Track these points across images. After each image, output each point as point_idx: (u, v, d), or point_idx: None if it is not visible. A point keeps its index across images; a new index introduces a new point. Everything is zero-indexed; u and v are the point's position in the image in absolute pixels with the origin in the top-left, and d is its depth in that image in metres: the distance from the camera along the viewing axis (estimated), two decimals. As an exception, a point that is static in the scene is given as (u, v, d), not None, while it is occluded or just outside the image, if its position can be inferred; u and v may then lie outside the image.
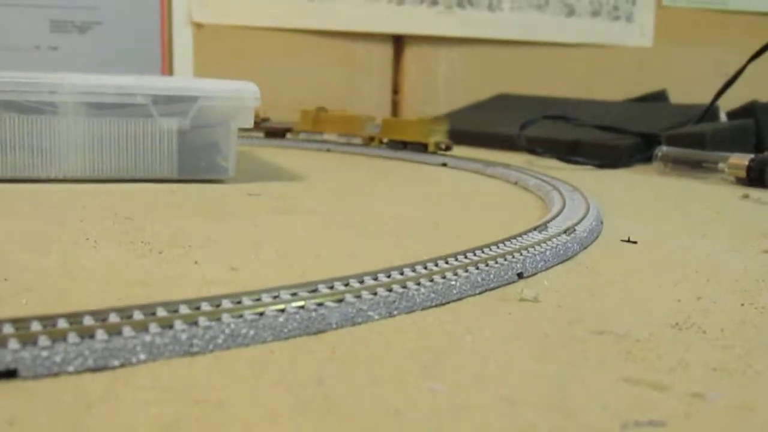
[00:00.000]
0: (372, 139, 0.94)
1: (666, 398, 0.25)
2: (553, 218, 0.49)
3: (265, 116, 1.05)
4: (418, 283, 0.33)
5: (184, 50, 1.22)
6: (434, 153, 0.88)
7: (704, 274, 0.41)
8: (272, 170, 0.78)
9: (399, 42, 1.36)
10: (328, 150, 0.98)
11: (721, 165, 0.79)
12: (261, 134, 1.03)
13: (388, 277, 0.34)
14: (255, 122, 1.03)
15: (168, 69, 1.21)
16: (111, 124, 0.64)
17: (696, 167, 0.82)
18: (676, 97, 1.20)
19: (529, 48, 1.41)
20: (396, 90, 1.37)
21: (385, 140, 0.93)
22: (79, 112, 0.63)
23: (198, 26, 1.23)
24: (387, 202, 0.64)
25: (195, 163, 0.67)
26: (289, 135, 1.04)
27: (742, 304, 0.35)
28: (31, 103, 0.62)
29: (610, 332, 0.31)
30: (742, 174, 0.76)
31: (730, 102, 0.98)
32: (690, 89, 1.19)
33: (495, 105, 1.23)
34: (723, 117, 1.00)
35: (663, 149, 0.86)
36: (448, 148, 0.88)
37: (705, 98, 0.98)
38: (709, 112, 0.96)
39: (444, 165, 0.85)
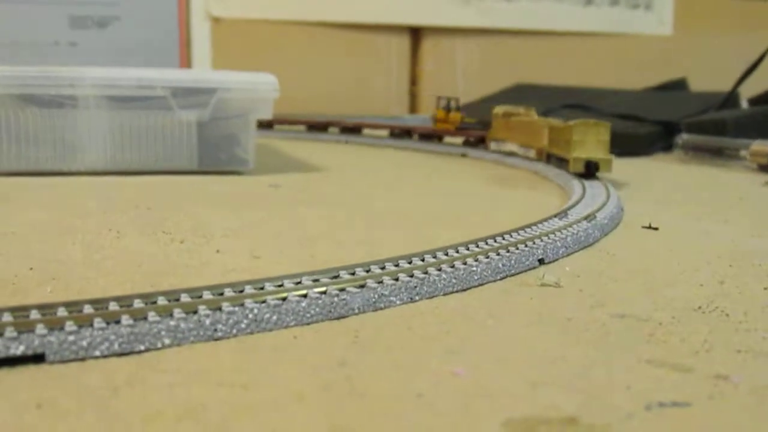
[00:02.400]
0: (541, 153, 0.72)
1: (690, 380, 0.24)
2: (574, 205, 0.49)
3: (469, 120, 0.90)
4: (440, 269, 0.33)
5: (203, 44, 1.23)
6: (585, 176, 0.60)
7: (727, 258, 0.41)
8: (292, 162, 0.78)
9: (416, 33, 1.36)
10: (346, 142, 0.98)
11: (742, 152, 0.78)
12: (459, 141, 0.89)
13: (410, 263, 0.34)
14: (456, 128, 0.90)
15: (186, 64, 1.21)
16: (131, 116, 0.65)
17: (717, 155, 0.81)
18: (696, 85, 1.19)
19: (547, 38, 1.40)
20: (414, 81, 1.37)
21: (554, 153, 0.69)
22: (100, 105, 0.64)
23: (216, 21, 1.23)
24: (407, 192, 0.64)
25: (215, 155, 0.67)
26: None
27: (765, 288, 0.35)
28: (51, 97, 0.63)
29: (632, 316, 0.31)
30: (765, 161, 0.75)
31: (751, 89, 0.97)
32: (710, 77, 1.18)
33: (513, 95, 1.22)
34: (744, 104, 1.00)
35: (684, 137, 0.85)
36: (597, 168, 0.60)
37: (725, 86, 0.97)
38: (730, 99, 0.95)
39: (464, 156, 0.85)
